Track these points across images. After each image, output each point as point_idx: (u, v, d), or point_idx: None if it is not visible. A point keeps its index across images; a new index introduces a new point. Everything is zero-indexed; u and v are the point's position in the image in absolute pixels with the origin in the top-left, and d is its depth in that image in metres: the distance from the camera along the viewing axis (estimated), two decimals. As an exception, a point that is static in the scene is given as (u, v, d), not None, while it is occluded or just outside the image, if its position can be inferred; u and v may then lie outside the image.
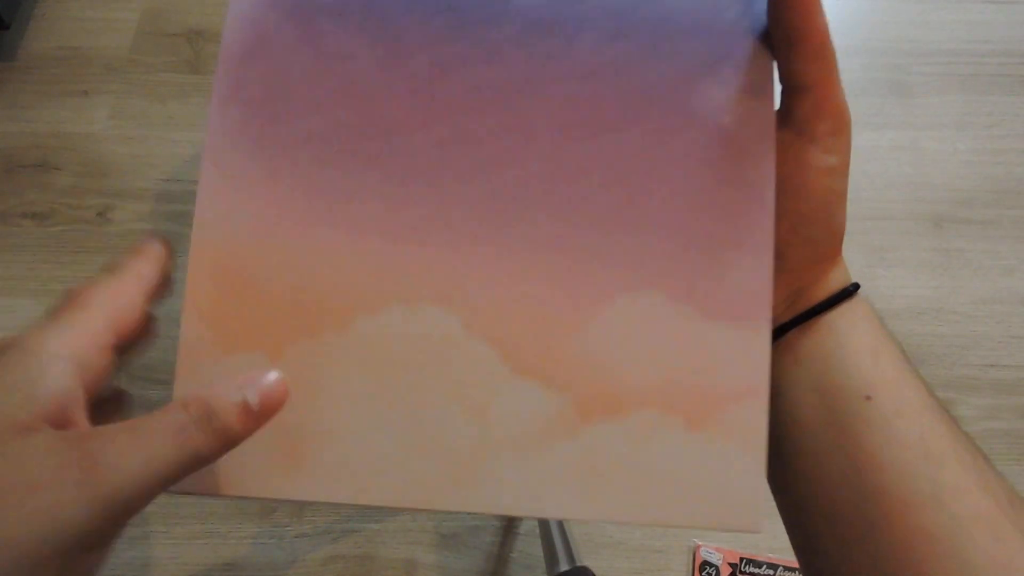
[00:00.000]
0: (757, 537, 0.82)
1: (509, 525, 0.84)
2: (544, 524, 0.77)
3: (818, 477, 0.26)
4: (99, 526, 0.19)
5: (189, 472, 0.21)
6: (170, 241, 0.26)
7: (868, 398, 0.25)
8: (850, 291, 0.27)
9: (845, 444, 0.25)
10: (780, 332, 0.27)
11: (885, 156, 1.00)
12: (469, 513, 0.27)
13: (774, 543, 0.82)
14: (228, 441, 0.21)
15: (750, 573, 0.80)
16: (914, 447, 0.24)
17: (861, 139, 0.99)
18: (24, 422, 0.19)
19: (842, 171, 0.26)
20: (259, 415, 0.22)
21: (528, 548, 0.82)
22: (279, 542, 0.82)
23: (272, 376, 0.23)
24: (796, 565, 0.87)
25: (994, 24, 1.10)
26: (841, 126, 0.26)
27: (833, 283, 0.28)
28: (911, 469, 0.24)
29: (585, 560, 0.71)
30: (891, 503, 0.23)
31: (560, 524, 0.75)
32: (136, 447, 0.20)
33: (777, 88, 0.27)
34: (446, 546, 0.82)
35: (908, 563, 0.23)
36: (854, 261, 0.92)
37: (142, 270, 0.24)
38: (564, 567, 0.68)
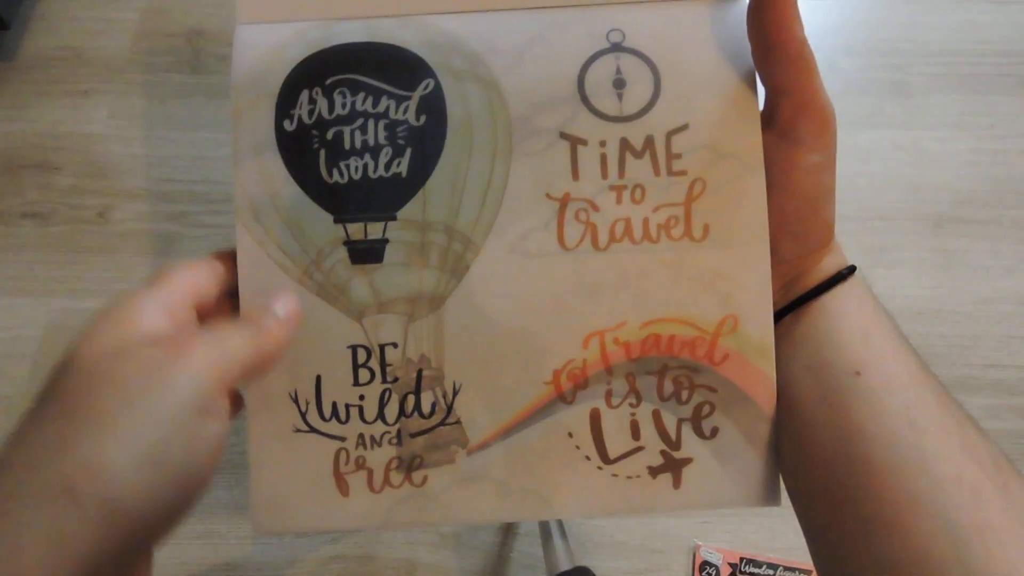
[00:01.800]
0: (757, 537, 0.82)
1: (509, 525, 0.84)
2: (544, 524, 0.77)
3: (814, 450, 0.27)
4: (206, 392, 0.22)
5: (255, 370, 0.25)
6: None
7: (857, 374, 0.26)
8: (843, 275, 0.28)
9: (836, 418, 0.26)
10: (777, 318, 0.29)
11: (885, 156, 1.00)
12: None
13: (774, 543, 0.82)
14: (274, 340, 0.26)
15: (750, 573, 0.80)
16: (899, 417, 0.25)
17: (861, 139, 0.99)
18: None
19: (828, 167, 0.27)
20: (287, 322, 0.27)
21: (528, 548, 0.82)
22: (279, 542, 0.82)
23: (289, 296, 0.28)
24: (796, 565, 0.87)
25: (994, 24, 1.10)
26: (823, 125, 0.27)
27: (827, 269, 0.29)
28: (896, 438, 0.25)
29: (585, 560, 0.71)
30: (877, 470, 0.25)
31: (560, 524, 0.75)
32: (214, 336, 0.24)
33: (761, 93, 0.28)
34: (446, 546, 0.82)
35: (895, 526, 0.24)
36: (854, 261, 0.92)
37: (214, 265, 0.28)
38: (564, 567, 0.68)
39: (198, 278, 0.27)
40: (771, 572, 0.80)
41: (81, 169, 1.00)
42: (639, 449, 0.29)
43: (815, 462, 0.27)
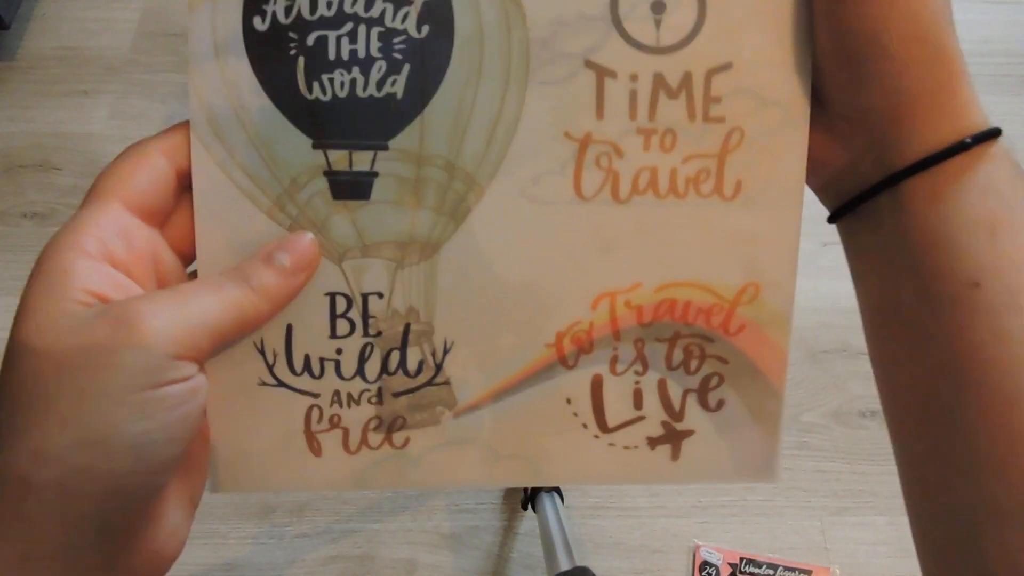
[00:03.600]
0: (757, 537, 0.82)
1: (509, 525, 0.84)
2: (544, 524, 0.77)
3: (917, 368, 0.23)
4: (156, 365, 0.20)
5: (237, 331, 0.22)
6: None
7: (976, 285, 0.21)
8: (965, 145, 0.21)
9: (947, 335, 0.22)
10: (868, 196, 0.23)
11: (885, 156, 1.00)
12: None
13: (774, 543, 0.82)
14: (268, 296, 0.23)
15: (750, 573, 0.80)
16: None
17: (861, 139, 0.99)
18: (63, 310, 0.20)
19: None
20: (293, 272, 0.23)
21: (528, 548, 0.83)
22: (279, 542, 0.82)
23: (303, 238, 0.24)
24: (796, 565, 0.87)
25: (994, 24, 1.10)
26: None
27: (940, 134, 0.21)
28: (1020, 369, 0.21)
29: (585, 560, 0.71)
30: (992, 401, 0.21)
31: (560, 524, 0.75)
32: (174, 301, 0.21)
33: None
34: (446, 546, 0.82)
35: (1008, 466, 0.21)
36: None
37: (169, 140, 0.23)
38: (564, 567, 0.68)
39: (139, 188, 0.22)
40: (771, 572, 0.80)
41: (81, 169, 1.00)
42: (640, 419, 0.27)
43: (918, 381, 0.23)
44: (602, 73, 0.25)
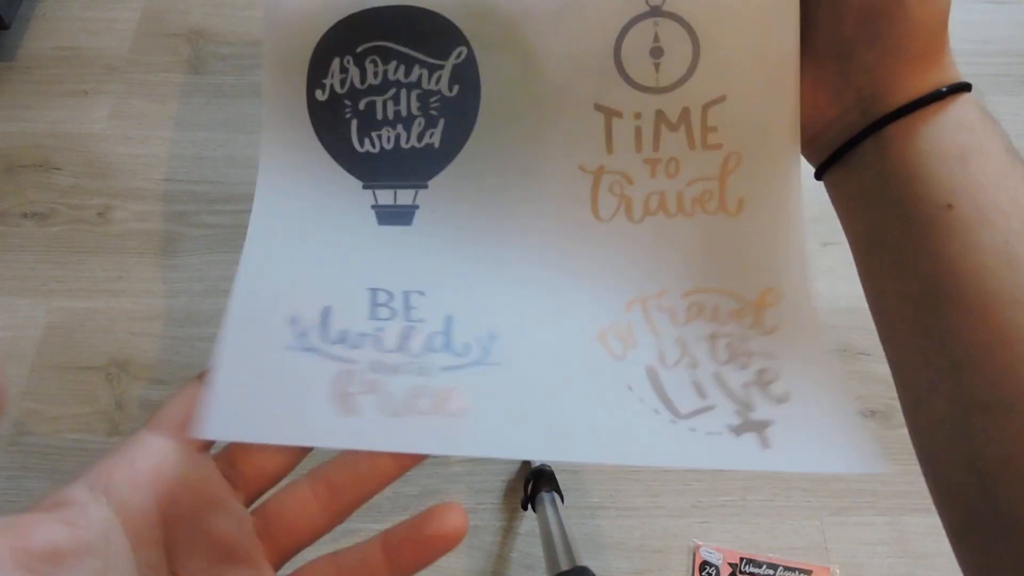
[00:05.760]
0: (757, 537, 0.82)
1: (509, 525, 0.84)
2: (544, 524, 0.77)
3: (900, 291, 0.25)
4: None
5: None
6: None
7: (949, 206, 0.23)
8: (940, 94, 0.24)
9: (924, 255, 0.24)
10: (853, 143, 0.26)
11: (885, 156, 1.00)
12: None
13: (774, 543, 0.82)
14: None
15: (750, 573, 0.80)
16: (996, 253, 0.22)
17: (861, 139, 0.99)
18: None
19: None
20: None
21: (528, 548, 0.82)
22: (279, 542, 0.82)
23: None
24: (796, 565, 0.87)
25: (994, 24, 1.10)
26: None
27: (922, 85, 0.24)
28: (991, 275, 0.22)
29: (585, 560, 0.71)
30: (967, 308, 0.23)
31: (560, 524, 0.75)
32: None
33: None
34: (446, 546, 0.82)
35: (986, 367, 0.22)
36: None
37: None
38: (564, 567, 0.68)
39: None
40: (771, 572, 0.80)
41: (81, 169, 1.00)
42: (710, 408, 0.26)
43: (905, 302, 0.25)
44: (609, 113, 0.28)
